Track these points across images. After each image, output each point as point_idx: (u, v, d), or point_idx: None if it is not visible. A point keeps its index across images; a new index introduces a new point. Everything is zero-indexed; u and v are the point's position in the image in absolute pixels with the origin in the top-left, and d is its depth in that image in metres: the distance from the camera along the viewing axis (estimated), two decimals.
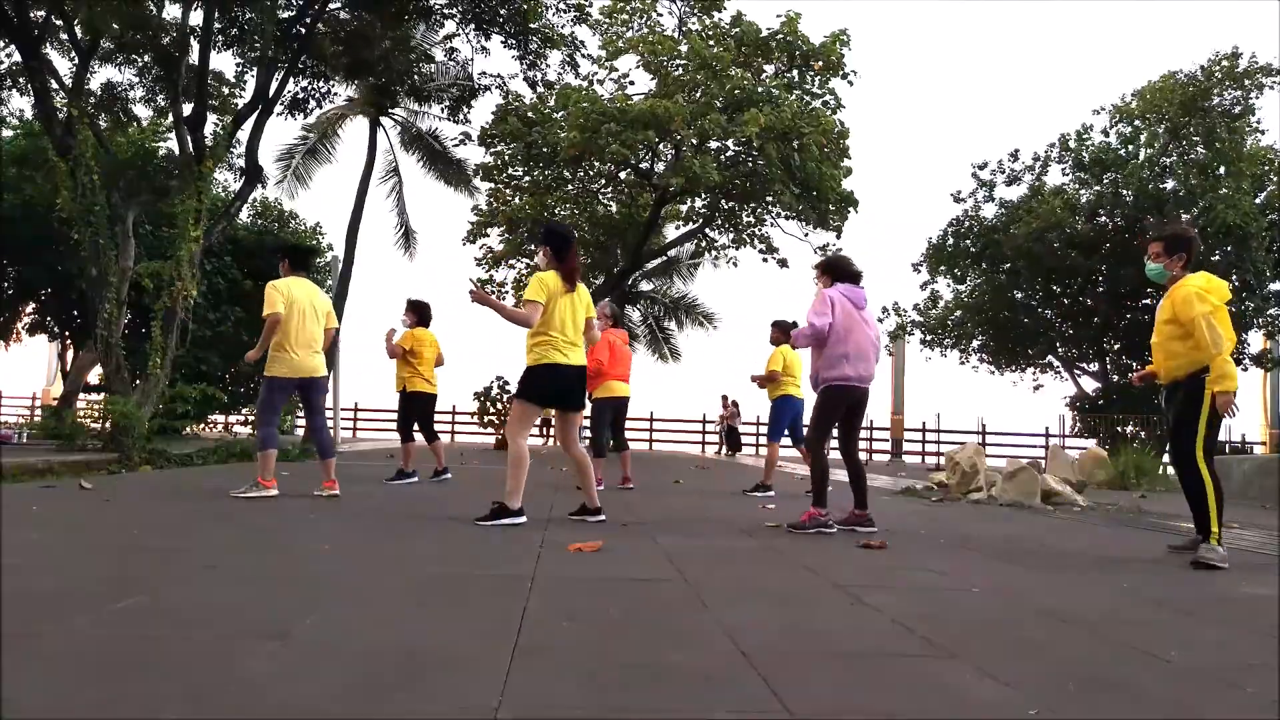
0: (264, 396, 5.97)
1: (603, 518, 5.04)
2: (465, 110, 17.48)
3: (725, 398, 24.42)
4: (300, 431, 17.20)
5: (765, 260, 19.38)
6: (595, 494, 5.15)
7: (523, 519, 4.71)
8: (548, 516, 5.15)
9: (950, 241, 22.99)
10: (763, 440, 7.62)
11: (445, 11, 14.67)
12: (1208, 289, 4.20)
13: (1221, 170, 19.50)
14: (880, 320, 24.18)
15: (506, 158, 18.35)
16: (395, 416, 8.17)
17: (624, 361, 7.92)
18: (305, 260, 6.26)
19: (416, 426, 8.00)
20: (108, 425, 10.57)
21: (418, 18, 14.24)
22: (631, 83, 18.43)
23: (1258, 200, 19.59)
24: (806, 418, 7.42)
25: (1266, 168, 19.94)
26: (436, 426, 8.35)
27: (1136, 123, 21.28)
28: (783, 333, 7.90)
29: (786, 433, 7.89)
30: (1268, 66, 19.52)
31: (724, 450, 23.58)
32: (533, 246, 4.80)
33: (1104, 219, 21.25)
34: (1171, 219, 16.44)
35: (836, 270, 5.28)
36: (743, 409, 23.71)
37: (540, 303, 4.73)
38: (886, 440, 26.83)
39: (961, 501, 8.07)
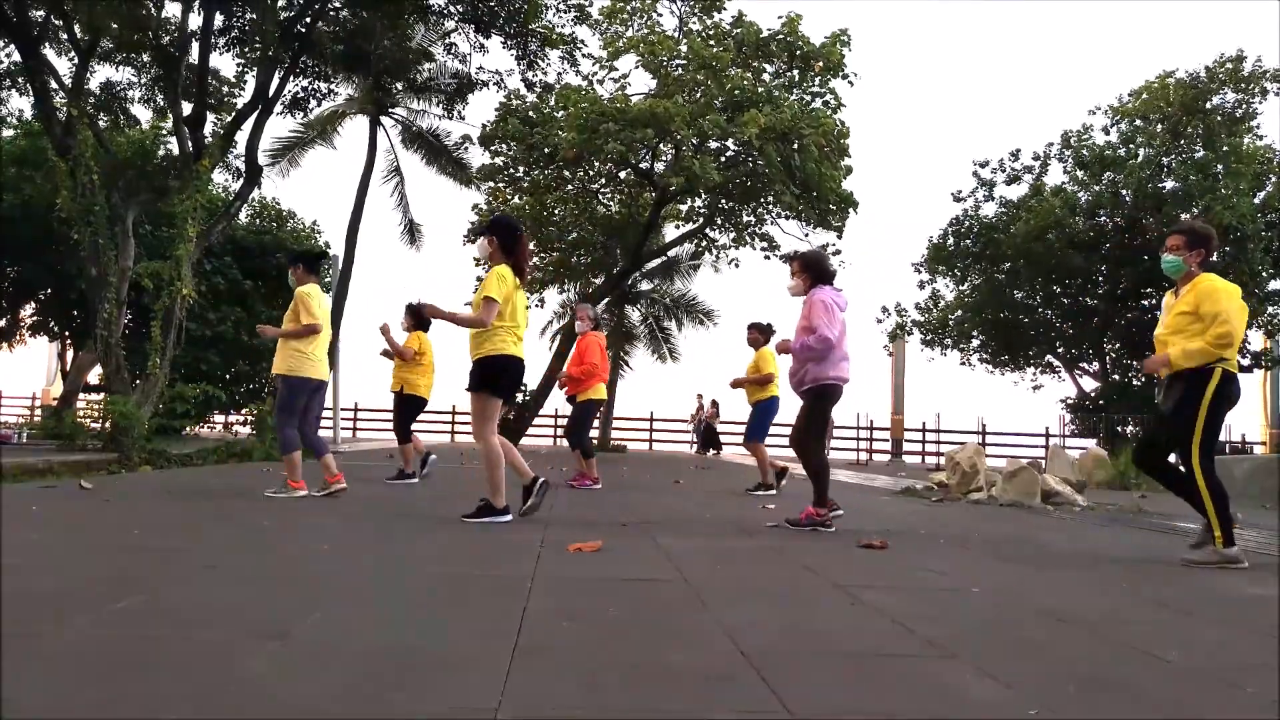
0: (288, 399, 5.85)
1: (509, 517, 4.71)
2: (461, 105, 17.47)
3: (700, 397, 24.52)
4: None
5: (768, 258, 19.39)
6: (503, 491, 4.81)
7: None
8: (547, 517, 5.14)
9: (950, 241, 22.99)
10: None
11: (444, 11, 14.67)
12: (1233, 292, 4.13)
13: (1220, 170, 19.51)
14: (879, 320, 24.32)
15: (506, 158, 18.34)
16: (393, 417, 8.05)
17: (607, 365, 8.12)
18: (318, 265, 6.30)
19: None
20: (108, 425, 10.57)
21: (416, 16, 14.23)
22: (630, 83, 18.46)
23: (1256, 200, 19.60)
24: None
25: (1264, 167, 19.94)
26: (436, 426, 8.34)
27: (1137, 122, 21.29)
28: (763, 334, 8.00)
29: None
30: (1274, 72, 19.50)
31: (700, 449, 23.56)
32: (475, 238, 4.89)
33: (1104, 219, 21.26)
34: (1180, 218, 16.41)
35: (821, 271, 5.27)
36: (721, 409, 23.74)
37: (498, 301, 4.72)
38: (886, 440, 26.81)
39: (961, 501, 8.07)
